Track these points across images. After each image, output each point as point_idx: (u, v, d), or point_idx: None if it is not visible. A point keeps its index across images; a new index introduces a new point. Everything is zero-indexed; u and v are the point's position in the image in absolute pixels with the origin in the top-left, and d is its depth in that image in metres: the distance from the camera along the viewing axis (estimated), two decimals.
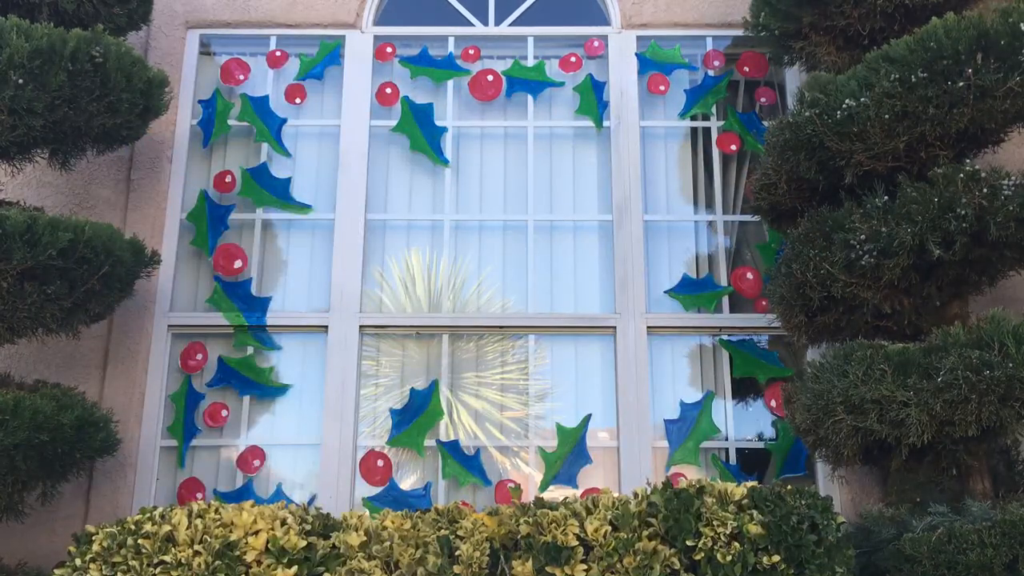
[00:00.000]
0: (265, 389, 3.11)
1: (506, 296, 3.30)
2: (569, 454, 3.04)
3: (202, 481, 3.02)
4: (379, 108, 3.44)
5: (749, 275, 3.22)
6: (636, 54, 3.45)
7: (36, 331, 2.55)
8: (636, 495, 2.14)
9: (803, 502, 2.06)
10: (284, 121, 3.40)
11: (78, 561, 2.11)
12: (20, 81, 2.49)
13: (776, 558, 1.99)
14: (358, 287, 3.19)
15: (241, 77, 3.47)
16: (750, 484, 2.13)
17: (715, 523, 2.01)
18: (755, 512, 2.04)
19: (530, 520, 2.05)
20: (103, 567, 2.08)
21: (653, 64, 3.44)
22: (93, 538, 2.15)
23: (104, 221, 2.79)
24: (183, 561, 2.06)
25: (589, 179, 3.41)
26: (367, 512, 2.29)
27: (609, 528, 2.04)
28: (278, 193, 3.32)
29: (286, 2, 3.51)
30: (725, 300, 3.21)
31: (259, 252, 3.28)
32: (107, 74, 2.63)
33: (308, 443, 3.06)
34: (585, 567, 2.00)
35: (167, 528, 2.13)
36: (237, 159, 3.39)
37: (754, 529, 2.01)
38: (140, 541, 2.10)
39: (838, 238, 2.46)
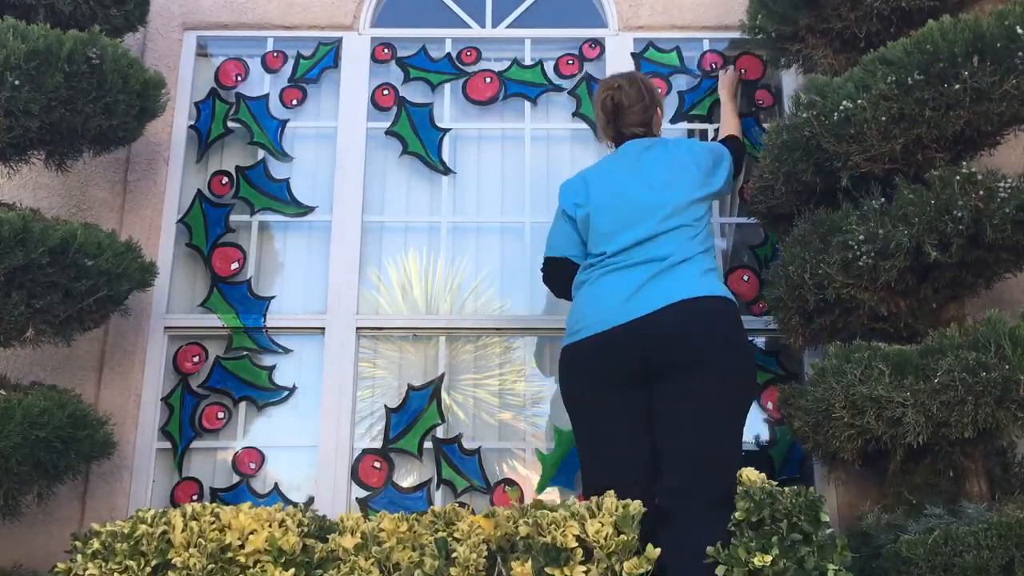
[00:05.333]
0: (262, 391, 3.11)
1: (503, 298, 3.30)
2: (566, 456, 3.03)
3: (198, 483, 3.01)
4: (376, 110, 3.43)
5: (746, 277, 3.23)
6: (633, 56, 3.46)
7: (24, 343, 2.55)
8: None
9: (794, 500, 2.07)
10: (282, 123, 3.40)
11: (79, 558, 2.12)
12: (16, 83, 2.49)
13: (768, 558, 2.00)
14: (355, 289, 3.19)
15: (238, 79, 3.47)
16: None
17: None
18: (747, 506, 2.05)
19: (529, 522, 2.06)
20: (103, 566, 2.09)
21: (650, 66, 3.45)
22: (94, 537, 2.15)
23: (101, 223, 2.79)
24: (180, 564, 2.06)
25: None
26: (363, 515, 2.29)
27: (611, 530, 2.04)
28: (275, 194, 3.32)
29: (283, 4, 3.51)
30: None
31: (256, 254, 3.28)
32: (104, 76, 2.63)
33: (305, 445, 3.06)
34: (584, 568, 2.00)
35: (162, 529, 2.13)
36: (234, 161, 3.39)
37: (747, 530, 2.02)
38: (139, 542, 2.11)
39: (835, 240, 2.46)
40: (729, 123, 3.07)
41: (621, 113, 2.65)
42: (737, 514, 2.05)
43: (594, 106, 2.79)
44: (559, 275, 2.66)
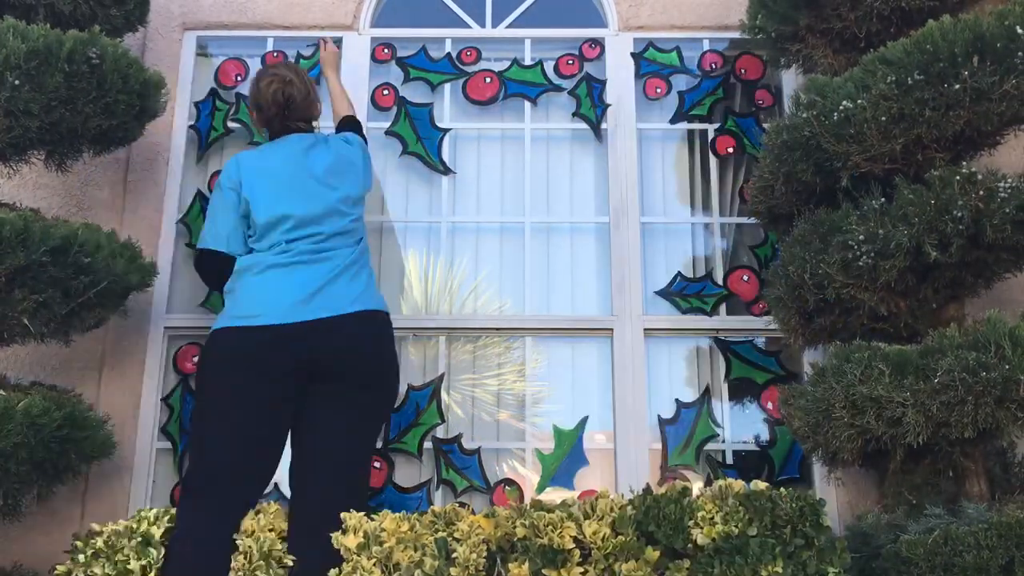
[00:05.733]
0: None
1: (503, 298, 3.30)
2: (566, 456, 3.04)
3: None
4: (376, 110, 3.43)
5: (746, 277, 3.22)
6: (633, 56, 3.46)
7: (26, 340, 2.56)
8: (632, 497, 2.15)
9: (795, 505, 2.06)
10: None
11: (81, 557, 2.12)
12: (16, 83, 2.49)
13: (778, 568, 1.99)
14: None
15: (238, 79, 3.47)
16: (741, 485, 2.14)
17: (708, 526, 2.02)
18: (747, 514, 2.05)
19: (526, 523, 2.06)
20: (106, 565, 2.09)
21: (650, 66, 3.45)
22: (96, 536, 2.16)
23: (101, 223, 2.79)
24: None
25: (586, 181, 3.42)
26: (364, 514, 2.28)
27: (608, 531, 2.04)
28: None
29: (283, 4, 3.51)
30: (722, 302, 3.21)
31: None
32: (103, 76, 2.63)
33: None
34: (582, 569, 2.00)
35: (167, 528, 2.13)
36: None
37: (747, 531, 2.02)
38: (146, 541, 2.12)
39: (835, 240, 2.46)
40: (342, 104, 3.05)
41: (292, 107, 2.69)
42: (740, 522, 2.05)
43: (258, 98, 2.72)
44: (215, 268, 2.61)
